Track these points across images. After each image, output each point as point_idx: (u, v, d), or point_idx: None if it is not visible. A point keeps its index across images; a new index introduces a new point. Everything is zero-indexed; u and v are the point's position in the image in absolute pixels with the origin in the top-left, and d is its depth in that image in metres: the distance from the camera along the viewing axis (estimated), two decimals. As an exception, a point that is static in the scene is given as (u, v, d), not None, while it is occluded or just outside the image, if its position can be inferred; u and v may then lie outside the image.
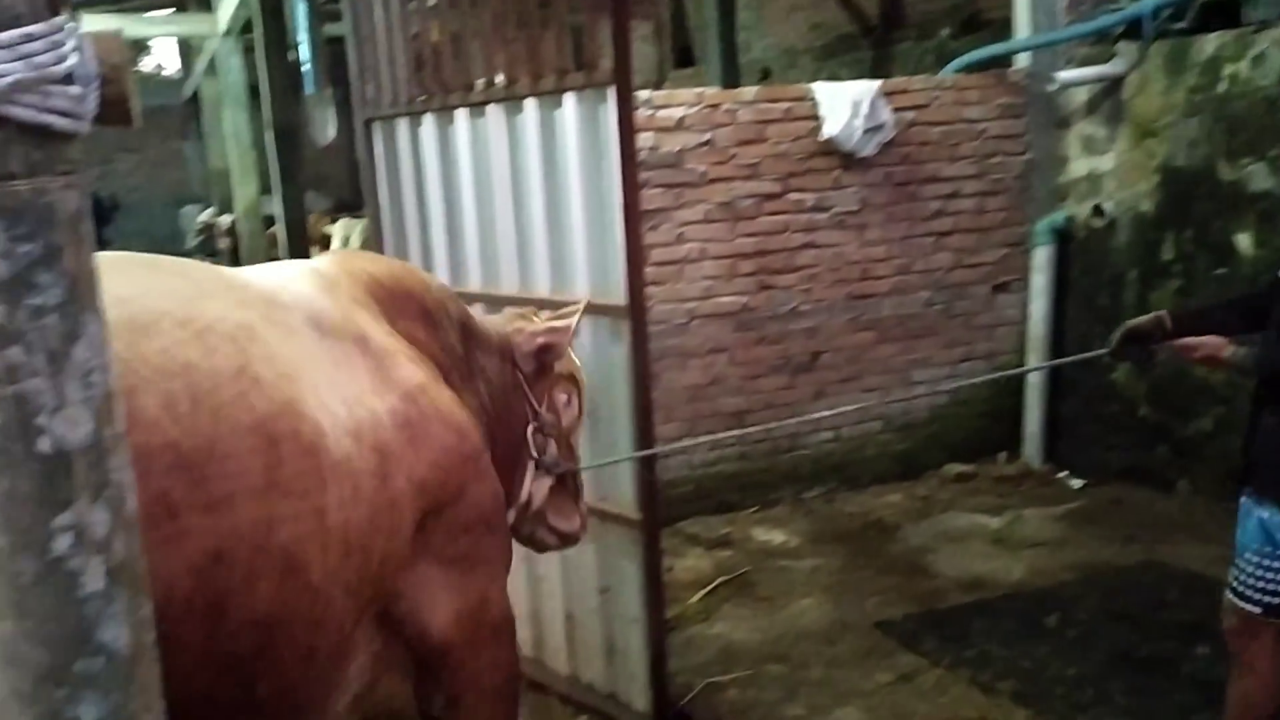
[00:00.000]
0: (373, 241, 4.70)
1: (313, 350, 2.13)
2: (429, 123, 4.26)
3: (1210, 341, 3.02)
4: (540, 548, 3.29)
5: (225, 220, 12.35)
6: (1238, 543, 2.90)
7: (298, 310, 2.20)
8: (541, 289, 3.91)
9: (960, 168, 6.15)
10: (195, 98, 15.62)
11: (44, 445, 0.88)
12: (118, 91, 0.95)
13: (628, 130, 3.48)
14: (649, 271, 3.75)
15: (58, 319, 0.87)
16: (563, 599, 4.05)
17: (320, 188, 15.81)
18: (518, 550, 4.18)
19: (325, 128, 8.25)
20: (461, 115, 4.08)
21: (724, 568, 5.08)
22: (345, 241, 9.07)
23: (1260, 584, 2.81)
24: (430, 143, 4.27)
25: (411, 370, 2.35)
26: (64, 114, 0.85)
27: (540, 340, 2.90)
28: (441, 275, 4.34)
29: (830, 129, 5.71)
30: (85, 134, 0.88)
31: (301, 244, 7.92)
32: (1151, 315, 3.22)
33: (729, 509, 5.80)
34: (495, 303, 4.09)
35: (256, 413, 1.88)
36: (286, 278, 2.37)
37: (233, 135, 10.91)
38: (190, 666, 1.72)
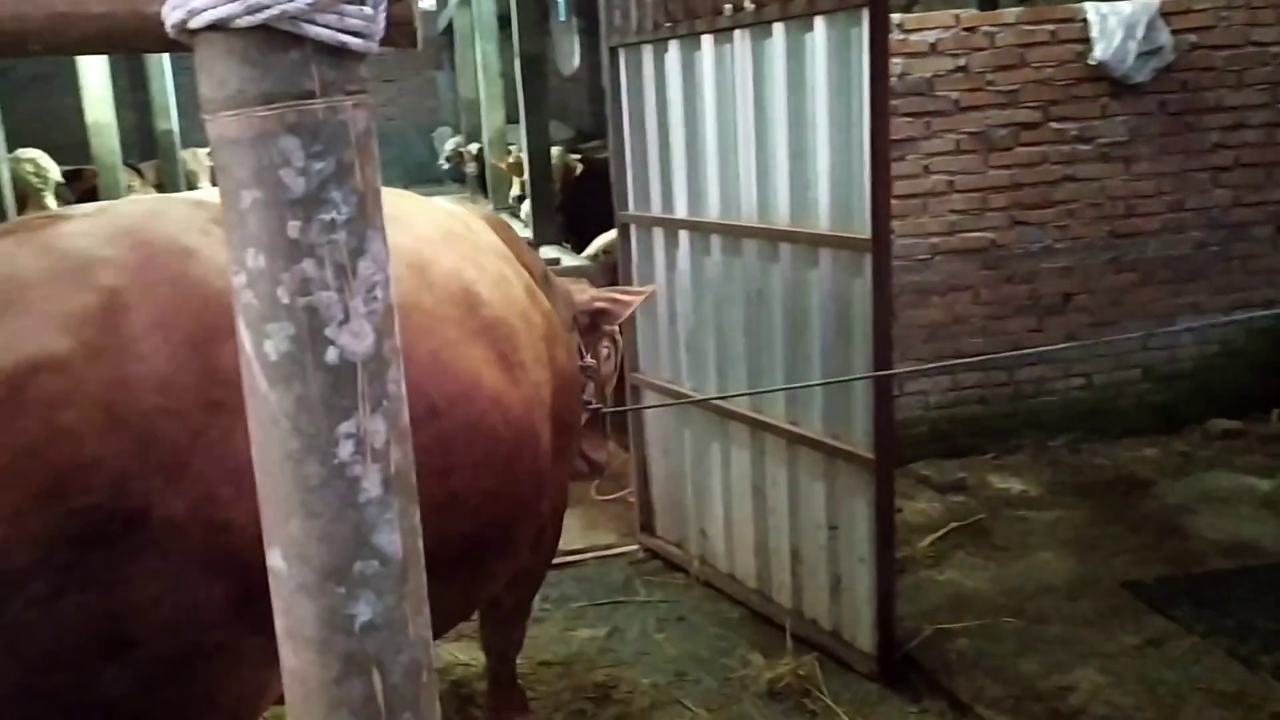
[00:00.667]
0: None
1: (503, 266, 2.63)
2: (674, 50, 4.23)
3: None
4: (573, 474, 3.65)
5: (473, 148, 12.83)
6: None
7: (484, 234, 2.75)
8: (781, 219, 3.84)
9: (1247, 96, 5.57)
10: (449, 28, 16.22)
11: (331, 356, 0.92)
12: (404, 13, 0.97)
13: (881, 54, 3.34)
14: (892, 204, 3.61)
15: (346, 235, 0.90)
16: (790, 534, 4.04)
17: (563, 117, 16.16)
18: (744, 485, 4.21)
19: (570, 56, 8.37)
20: (707, 42, 4.02)
21: (957, 513, 4.91)
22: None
23: None
24: (674, 70, 4.25)
25: (545, 300, 2.86)
26: (357, 34, 0.87)
27: (599, 304, 3.42)
28: (680, 205, 4.35)
29: (1101, 53, 5.28)
30: (375, 54, 0.90)
31: (544, 172, 8.12)
32: None
33: (965, 453, 5.59)
34: (734, 233, 4.07)
35: (518, 304, 2.54)
36: (456, 208, 2.90)
37: (482, 65, 11.25)
38: (515, 484, 2.31)
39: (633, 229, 4.70)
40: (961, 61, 5.29)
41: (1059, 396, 5.73)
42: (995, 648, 3.80)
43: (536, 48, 8.19)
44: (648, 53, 4.40)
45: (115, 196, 9.02)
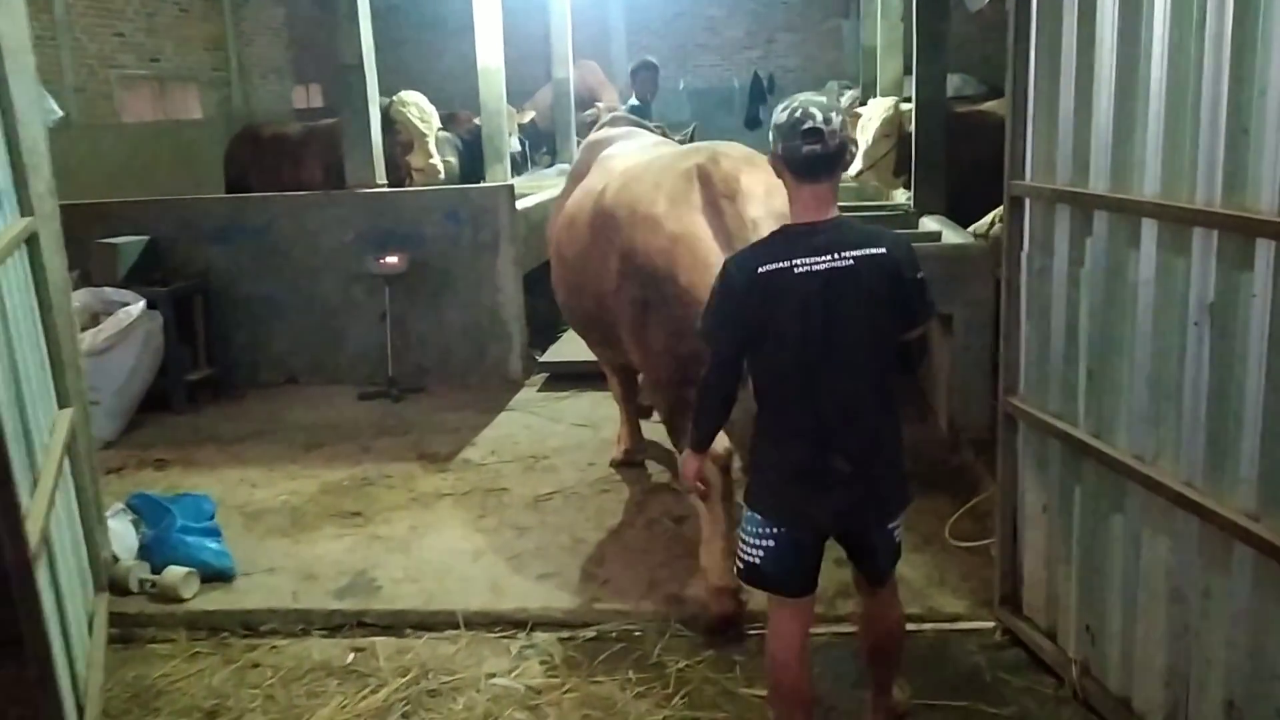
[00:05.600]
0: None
1: None
2: (1111, -37, 3.00)
3: None
4: None
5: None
6: None
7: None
8: (1262, 205, 2.52)
9: None
10: (858, -28, 15.03)
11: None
12: None
13: None
14: None
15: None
16: (1227, 672, 2.73)
17: (973, 69, 14.47)
18: (1158, 581, 2.94)
19: (979, -9, 7.03)
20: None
21: None
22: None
23: None
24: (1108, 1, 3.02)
25: None
26: None
27: None
28: (1100, 176, 3.12)
29: None
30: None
31: (934, 129, 6.87)
32: None
33: None
34: (1180, 219, 2.80)
35: None
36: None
37: (883, 9, 10.10)
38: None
39: (1028, 204, 3.50)
40: None
41: None
42: None
43: (938, -17, 6.96)
44: (1073, -26, 3.18)
45: (498, 139, 9.37)
